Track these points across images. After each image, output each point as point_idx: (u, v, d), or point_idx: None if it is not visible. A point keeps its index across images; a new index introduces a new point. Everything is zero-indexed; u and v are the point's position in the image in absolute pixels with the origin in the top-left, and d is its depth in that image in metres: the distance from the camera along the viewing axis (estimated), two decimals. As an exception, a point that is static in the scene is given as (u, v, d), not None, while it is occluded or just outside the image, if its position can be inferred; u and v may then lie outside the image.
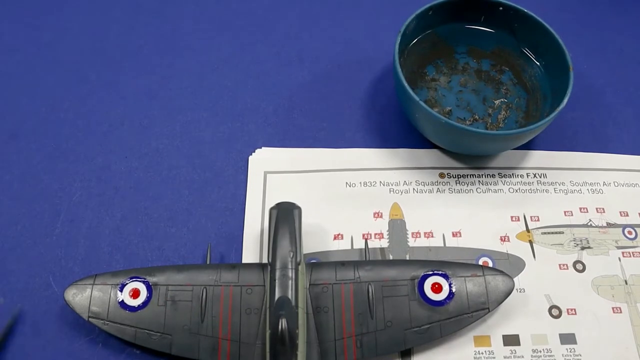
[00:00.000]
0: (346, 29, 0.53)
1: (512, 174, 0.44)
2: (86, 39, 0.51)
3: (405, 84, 0.40)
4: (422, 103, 0.39)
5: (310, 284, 0.35)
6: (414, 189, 0.43)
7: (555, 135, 0.46)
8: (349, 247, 0.40)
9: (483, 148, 0.43)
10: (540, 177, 0.44)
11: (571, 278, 0.39)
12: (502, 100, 0.46)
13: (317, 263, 0.37)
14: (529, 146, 0.45)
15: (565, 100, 0.40)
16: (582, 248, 0.41)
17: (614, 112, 0.48)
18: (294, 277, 0.33)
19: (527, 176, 0.44)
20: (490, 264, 0.40)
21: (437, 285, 0.35)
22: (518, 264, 0.40)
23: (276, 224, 0.36)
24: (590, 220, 0.42)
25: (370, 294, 0.35)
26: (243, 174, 0.43)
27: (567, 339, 0.37)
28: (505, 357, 0.36)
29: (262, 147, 0.45)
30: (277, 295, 0.33)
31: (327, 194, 0.42)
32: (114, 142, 0.45)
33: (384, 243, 0.40)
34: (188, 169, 0.44)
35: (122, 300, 0.35)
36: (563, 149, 0.46)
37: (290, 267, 0.34)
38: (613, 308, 0.38)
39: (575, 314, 0.38)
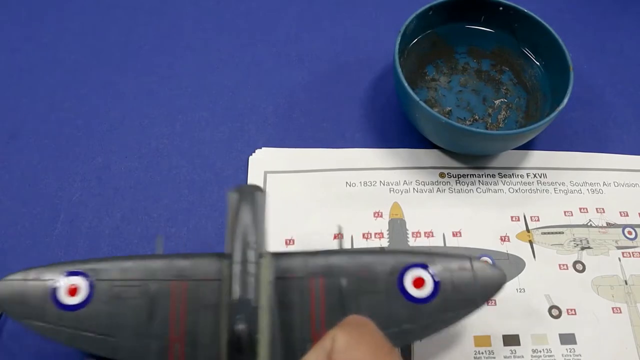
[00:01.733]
0: (346, 29, 0.53)
1: (512, 174, 0.44)
2: (86, 39, 0.51)
3: (405, 84, 0.40)
4: (422, 103, 0.39)
5: (275, 277, 0.30)
6: (414, 188, 0.43)
7: (555, 135, 0.46)
8: (349, 247, 0.40)
9: (483, 148, 0.43)
10: (540, 177, 0.44)
11: (571, 278, 0.39)
12: (502, 100, 0.46)
13: (284, 253, 0.32)
14: (529, 146, 0.45)
15: (566, 100, 0.40)
16: (582, 248, 0.41)
17: (614, 112, 0.48)
18: (255, 272, 0.29)
19: (527, 176, 0.44)
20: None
21: (419, 280, 0.31)
22: (518, 264, 0.40)
23: (236, 210, 0.30)
24: (590, 221, 0.42)
25: (343, 289, 0.30)
26: (243, 174, 0.43)
27: (567, 339, 0.37)
28: (505, 357, 0.36)
29: (262, 147, 0.45)
30: (235, 295, 0.28)
31: (327, 194, 0.42)
32: (114, 142, 0.45)
33: (384, 243, 0.40)
34: (188, 169, 0.44)
35: (58, 299, 0.30)
36: (563, 149, 0.46)
37: (251, 260, 0.29)
38: (613, 308, 0.38)
39: (575, 314, 0.38)
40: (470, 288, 0.31)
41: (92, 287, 0.30)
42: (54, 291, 0.30)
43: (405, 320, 0.30)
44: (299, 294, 0.30)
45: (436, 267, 0.31)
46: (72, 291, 0.30)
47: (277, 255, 0.31)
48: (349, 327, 0.26)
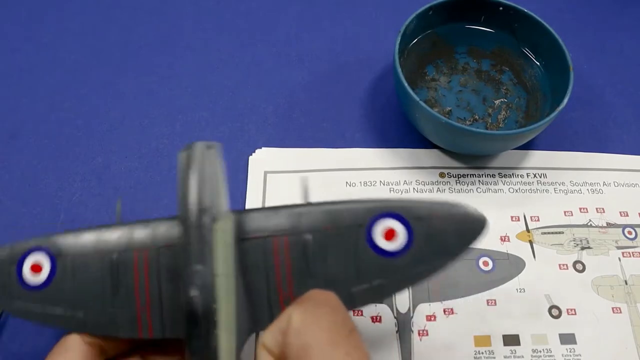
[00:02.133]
0: (346, 29, 0.53)
1: (512, 174, 0.44)
2: (86, 39, 0.51)
3: (405, 84, 0.40)
4: (422, 103, 0.39)
5: (237, 239, 0.28)
6: (414, 188, 0.43)
7: (556, 135, 0.46)
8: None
9: (483, 148, 0.43)
10: (540, 177, 0.44)
11: (571, 278, 0.39)
12: (502, 100, 0.46)
13: (245, 211, 0.29)
14: (529, 146, 0.45)
15: (566, 100, 0.40)
16: (582, 248, 0.41)
17: (614, 112, 0.48)
18: (210, 237, 0.27)
19: (527, 176, 0.44)
20: (491, 264, 0.40)
21: (390, 231, 0.28)
22: (518, 264, 0.40)
23: (184, 171, 0.28)
24: (590, 221, 0.42)
25: (308, 247, 0.28)
26: (243, 174, 0.43)
27: (567, 339, 0.37)
28: (505, 357, 0.36)
29: (262, 147, 0.45)
30: (188, 265, 0.26)
31: (327, 194, 0.42)
32: (114, 142, 0.45)
33: (384, 243, 0.40)
34: (188, 169, 0.44)
35: (23, 278, 0.29)
36: (563, 149, 0.46)
37: (204, 226, 0.27)
38: (613, 308, 0.38)
39: (575, 314, 0.38)
40: (447, 236, 0.28)
41: (54, 263, 0.29)
42: (17, 270, 0.29)
43: (377, 276, 0.28)
44: (263, 255, 0.28)
45: (408, 215, 0.28)
46: (35, 269, 0.29)
47: (238, 214, 0.29)
48: (308, 304, 0.24)
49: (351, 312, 0.37)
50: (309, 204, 0.29)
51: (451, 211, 0.28)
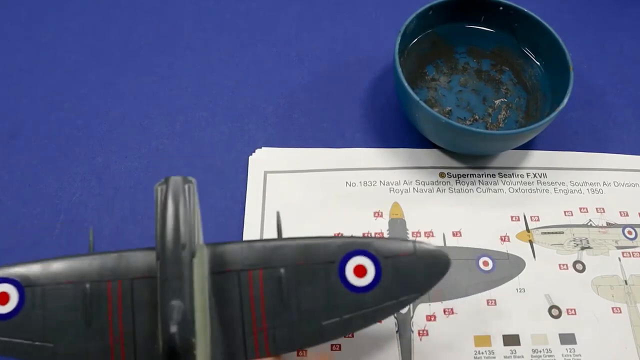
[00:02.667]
0: (346, 29, 0.53)
1: (512, 174, 0.44)
2: (86, 39, 0.51)
3: (405, 84, 0.40)
4: (422, 103, 0.39)
5: (212, 272, 0.29)
6: (414, 188, 0.43)
7: (556, 135, 0.46)
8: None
9: (483, 148, 0.43)
10: (541, 177, 0.44)
11: (571, 278, 0.39)
12: (502, 100, 0.46)
13: (220, 245, 0.30)
14: (529, 146, 0.45)
15: (566, 100, 0.40)
16: (582, 248, 0.41)
17: (614, 112, 0.48)
18: (188, 274, 0.27)
19: (527, 176, 0.44)
20: (491, 264, 0.40)
21: (361, 268, 0.29)
22: (518, 264, 0.40)
23: (163, 206, 0.28)
24: (590, 220, 0.42)
25: (282, 281, 0.29)
26: (243, 174, 0.43)
27: (567, 339, 0.37)
28: (505, 357, 0.36)
29: (262, 147, 0.45)
30: (167, 300, 0.27)
31: (327, 194, 0.42)
32: (114, 142, 0.45)
33: (384, 243, 0.40)
34: (188, 169, 0.44)
35: None
36: (563, 149, 0.46)
37: (182, 262, 0.27)
38: (613, 308, 0.38)
39: (575, 314, 0.38)
40: (413, 274, 0.29)
41: (22, 293, 0.29)
42: None
43: (347, 310, 0.29)
44: (238, 288, 0.29)
45: (378, 253, 0.29)
46: (3, 299, 0.29)
47: (214, 247, 0.30)
48: None
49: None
50: (283, 239, 0.30)
51: (417, 251, 0.30)
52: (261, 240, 0.31)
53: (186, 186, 0.29)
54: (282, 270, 0.29)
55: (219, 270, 0.29)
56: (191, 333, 0.26)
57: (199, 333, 0.27)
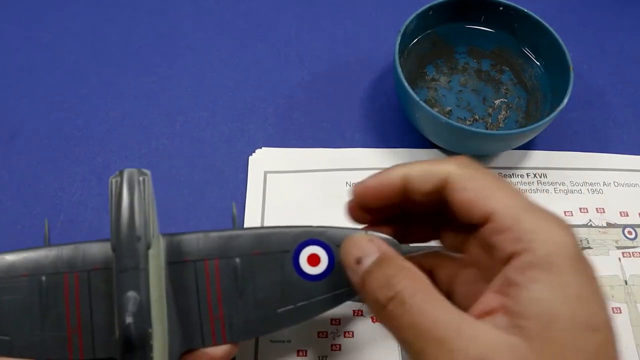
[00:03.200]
0: (346, 29, 0.53)
1: (512, 174, 0.44)
2: (86, 39, 0.51)
3: (406, 84, 0.40)
4: (422, 103, 0.39)
5: (168, 262, 0.29)
6: (414, 189, 0.43)
7: (556, 135, 0.46)
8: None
9: (483, 148, 0.43)
10: (541, 177, 0.44)
11: (571, 278, 0.39)
12: (502, 100, 0.46)
13: (177, 235, 0.30)
14: (529, 146, 0.45)
15: (566, 100, 0.40)
16: (582, 248, 0.40)
17: (614, 112, 0.48)
18: (144, 266, 0.27)
19: (527, 176, 0.44)
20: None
21: (314, 257, 0.30)
22: (518, 264, 0.40)
23: (117, 198, 0.28)
24: (590, 221, 0.42)
25: (238, 270, 0.30)
26: (243, 174, 0.43)
27: (567, 339, 0.37)
28: (505, 357, 0.36)
29: (262, 147, 0.45)
30: (123, 292, 0.27)
31: (327, 194, 0.42)
32: (114, 142, 0.45)
33: (384, 243, 0.40)
34: (188, 169, 0.44)
35: None
36: (563, 149, 0.46)
37: (138, 254, 0.27)
38: (613, 308, 0.38)
39: (575, 314, 0.38)
40: None
41: None
42: None
43: (301, 298, 0.30)
44: (194, 277, 0.30)
45: (331, 242, 0.30)
46: None
47: (170, 237, 0.30)
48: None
49: (352, 313, 0.37)
50: (238, 229, 0.31)
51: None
52: (217, 230, 0.31)
53: (141, 178, 0.29)
54: (237, 260, 0.30)
55: (176, 260, 0.30)
56: (147, 323, 0.27)
57: (156, 323, 0.27)
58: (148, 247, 0.28)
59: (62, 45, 0.51)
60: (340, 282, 0.30)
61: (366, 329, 0.37)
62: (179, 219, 0.41)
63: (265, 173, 0.43)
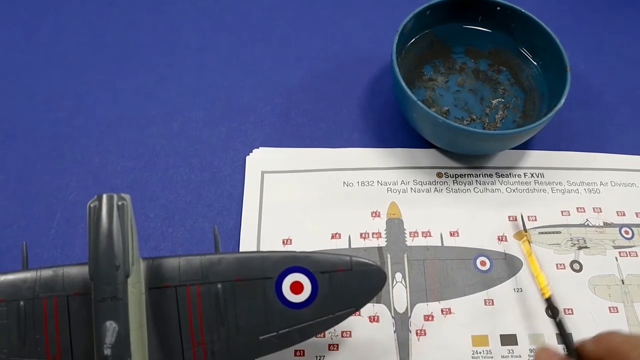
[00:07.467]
0: (344, 29, 0.53)
1: (510, 174, 0.44)
2: (84, 39, 0.51)
3: (403, 84, 0.40)
4: (419, 103, 0.39)
5: (149, 287, 0.29)
6: (411, 188, 0.43)
7: (553, 135, 0.46)
8: (347, 246, 0.40)
9: (480, 148, 0.43)
10: (538, 176, 0.44)
11: (568, 278, 0.39)
12: (500, 100, 0.46)
13: (157, 259, 0.30)
14: (526, 146, 0.45)
15: (563, 100, 0.40)
16: (579, 248, 0.41)
17: (611, 112, 0.48)
18: (122, 295, 0.27)
19: (525, 176, 0.44)
20: (488, 264, 0.40)
21: (297, 284, 0.30)
22: (515, 264, 0.40)
23: (95, 226, 0.27)
24: (587, 220, 0.42)
25: (220, 296, 0.30)
26: (240, 174, 0.43)
27: (565, 338, 0.37)
28: (502, 357, 0.36)
29: (260, 147, 0.45)
30: (101, 322, 0.27)
31: (324, 194, 0.42)
32: (111, 141, 0.45)
33: (382, 242, 0.40)
34: (185, 168, 0.44)
35: None
36: (560, 149, 0.46)
37: (117, 283, 0.27)
38: (610, 308, 0.38)
39: (572, 313, 0.38)
40: (349, 289, 0.30)
41: None
42: None
43: (284, 325, 0.30)
44: (175, 303, 0.30)
45: (314, 269, 0.30)
46: None
47: (150, 261, 0.30)
48: None
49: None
50: (221, 254, 0.31)
51: (354, 266, 0.30)
52: (198, 254, 0.31)
53: (120, 203, 0.28)
54: (219, 286, 0.30)
55: (157, 286, 0.30)
56: (126, 352, 0.27)
57: (135, 351, 0.27)
58: (127, 275, 0.27)
59: (59, 45, 0.50)
60: (324, 310, 0.30)
61: (364, 329, 0.37)
62: (176, 219, 0.41)
63: (263, 173, 0.43)
